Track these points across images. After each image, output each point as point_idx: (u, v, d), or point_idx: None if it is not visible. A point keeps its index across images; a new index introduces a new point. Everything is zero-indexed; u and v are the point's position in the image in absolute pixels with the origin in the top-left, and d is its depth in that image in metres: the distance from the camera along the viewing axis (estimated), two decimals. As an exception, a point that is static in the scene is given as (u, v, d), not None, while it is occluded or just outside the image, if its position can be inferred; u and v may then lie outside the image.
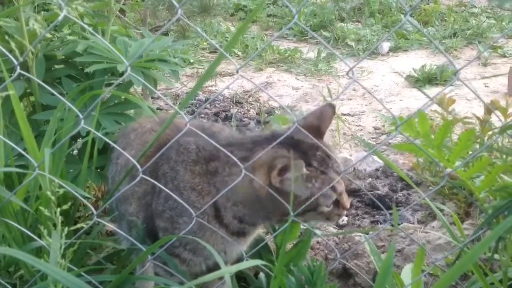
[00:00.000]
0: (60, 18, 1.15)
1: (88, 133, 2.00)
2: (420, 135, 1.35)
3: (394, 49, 5.87)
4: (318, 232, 1.95)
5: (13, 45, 1.19)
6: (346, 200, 1.55)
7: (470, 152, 1.68)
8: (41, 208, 1.28)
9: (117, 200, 1.79)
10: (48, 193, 1.25)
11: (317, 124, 1.57)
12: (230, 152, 1.46)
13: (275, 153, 1.45)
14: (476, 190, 1.48)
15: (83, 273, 1.42)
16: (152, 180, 1.52)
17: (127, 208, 1.79)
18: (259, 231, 1.75)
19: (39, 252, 1.62)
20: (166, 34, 4.32)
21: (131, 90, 2.50)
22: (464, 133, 1.37)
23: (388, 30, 6.48)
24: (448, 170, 1.46)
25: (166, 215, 1.65)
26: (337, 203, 1.53)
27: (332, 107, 1.60)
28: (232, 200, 1.56)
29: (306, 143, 1.52)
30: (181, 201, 1.50)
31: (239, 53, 5.72)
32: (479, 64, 5.24)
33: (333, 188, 1.48)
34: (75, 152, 2.34)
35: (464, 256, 1.43)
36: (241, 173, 1.41)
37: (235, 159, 1.40)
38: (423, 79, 4.80)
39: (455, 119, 2.13)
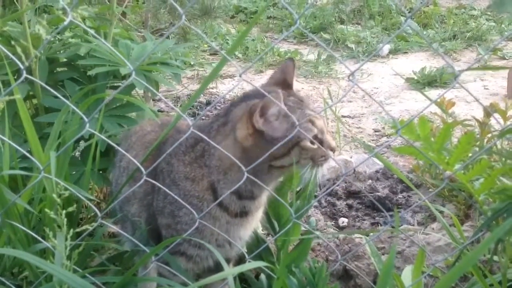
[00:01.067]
0: (65, 23, 1.16)
1: (90, 135, 2.02)
2: (420, 138, 1.36)
3: (394, 51, 5.89)
4: (318, 233, 1.97)
5: (19, 50, 1.20)
6: (331, 140, 1.57)
7: (470, 155, 1.69)
8: (47, 210, 1.30)
9: (121, 202, 1.81)
10: (54, 195, 1.26)
11: (283, 77, 1.66)
12: (210, 126, 1.58)
13: (250, 103, 1.53)
14: (475, 193, 1.50)
15: (87, 275, 1.43)
16: (153, 181, 1.54)
17: (129, 209, 1.82)
18: (260, 212, 1.74)
19: (43, 254, 1.63)
20: (167, 37, 4.33)
21: (133, 92, 2.52)
22: (464, 136, 1.39)
23: (388, 32, 6.50)
24: (448, 173, 1.48)
25: (167, 211, 1.68)
26: (321, 142, 1.55)
27: (292, 60, 1.69)
28: (223, 170, 1.59)
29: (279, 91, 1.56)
30: (175, 196, 1.55)
31: (240, 55, 5.73)
32: (478, 66, 5.26)
33: (312, 122, 1.53)
34: (77, 154, 2.36)
35: (464, 258, 1.44)
36: (226, 137, 1.50)
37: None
38: (423, 82, 4.82)
39: (455, 121, 2.15)
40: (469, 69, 1.48)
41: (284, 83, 1.64)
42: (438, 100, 2.36)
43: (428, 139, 1.35)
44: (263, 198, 1.70)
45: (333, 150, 1.57)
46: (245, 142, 1.53)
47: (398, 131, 1.26)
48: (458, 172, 1.41)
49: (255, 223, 1.74)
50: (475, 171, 1.43)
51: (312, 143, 1.52)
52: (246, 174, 1.42)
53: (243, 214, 1.66)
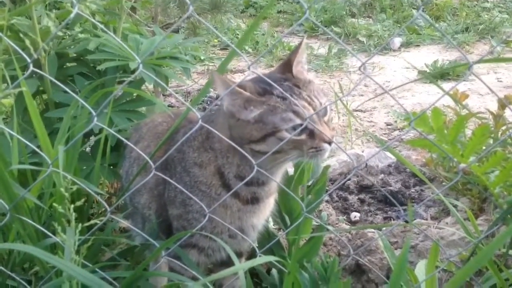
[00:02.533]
0: (72, 15, 1.15)
1: (100, 130, 2.01)
2: (434, 130, 1.34)
3: (406, 44, 5.83)
4: (330, 228, 1.95)
5: (27, 42, 1.19)
6: (325, 131, 1.46)
7: (484, 147, 1.66)
8: (55, 204, 1.29)
9: (131, 193, 1.81)
10: (62, 189, 1.26)
11: (287, 58, 1.58)
12: (213, 111, 1.59)
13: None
14: (490, 185, 1.47)
15: (97, 269, 1.42)
16: (162, 175, 1.52)
17: (139, 200, 1.81)
18: (271, 200, 1.71)
19: (53, 249, 1.63)
20: (176, 31, 4.32)
21: (143, 88, 2.51)
22: (478, 128, 1.36)
23: (399, 25, 6.44)
24: (462, 165, 1.45)
25: (179, 200, 1.67)
26: (311, 133, 1.46)
27: (301, 41, 1.61)
28: (225, 152, 1.58)
29: (274, 76, 1.53)
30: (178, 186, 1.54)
31: (250, 49, 5.71)
32: (491, 58, 5.20)
33: (295, 113, 1.44)
34: (87, 149, 2.35)
35: (480, 252, 1.42)
36: (220, 117, 1.52)
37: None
38: (436, 74, 4.77)
39: (469, 114, 2.11)
40: (483, 60, 1.45)
41: (286, 64, 1.58)
42: (451, 92, 2.32)
43: (442, 131, 1.32)
44: (273, 185, 1.66)
45: (327, 142, 1.46)
46: (229, 121, 1.52)
47: (411, 123, 1.23)
48: (473, 164, 1.38)
49: (267, 211, 1.71)
50: (490, 164, 1.41)
51: (293, 133, 1.45)
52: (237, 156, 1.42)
53: (254, 201, 1.63)
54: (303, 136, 1.45)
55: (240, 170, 1.56)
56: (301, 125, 1.43)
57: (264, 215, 1.71)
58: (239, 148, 1.44)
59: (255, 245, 1.73)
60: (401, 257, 1.29)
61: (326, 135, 1.44)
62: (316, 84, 1.55)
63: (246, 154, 1.43)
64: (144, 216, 1.84)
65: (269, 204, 1.71)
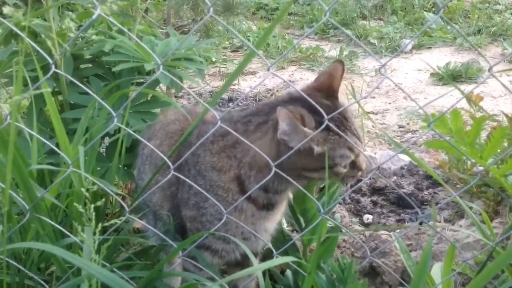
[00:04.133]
0: (94, 16, 1.16)
1: (115, 131, 2.03)
2: (452, 132, 1.33)
3: (418, 47, 5.81)
4: (345, 229, 1.94)
5: (49, 43, 1.20)
6: (362, 162, 1.55)
7: (499, 150, 1.65)
8: (75, 204, 1.30)
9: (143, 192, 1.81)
10: (82, 189, 1.27)
11: (329, 82, 1.57)
12: (248, 120, 1.55)
13: (291, 108, 1.45)
14: (509, 188, 1.46)
15: (115, 269, 1.43)
16: (180, 176, 1.53)
17: (151, 198, 1.80)
18: (284, 205, 1.73)
19: (70, 249, 1.64)
20: (188, 32, 4.34)
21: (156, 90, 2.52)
22: (497, 130, 1.36)
23: (411, 27, 6.42)
24: (479, 168, 1.44)
25: (192, 202, 1.67)
26: (353, 164, 1.54)
27: (341, 63, 1.59)
28: (256, 167, 1.56)
29: (321, 102, 1.50)
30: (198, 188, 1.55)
31: (260, 51, 5.71)
32: (504, 61, 5.17)
33: (350, 150, 1.50)
34: (102, 150, 2.37)
35: (498, 257, 1.41)
36: (264, 135, 1.49)
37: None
38: (448, 77, 4.75)
39: (485, 116, 2.10)
40: (501, 60, 1.45)
41: (329, 89, 1.57)
42: (467, 94, 2.32)
43: (461, 133, 1.32)
44: (289, 192, 1.69)
45: (362, 171, 1.56)
46: (279, 147, 1.50)
47: (430, 125, 1.23)
48: (491, 166, 1.38)
49: (279, 215, 1.73)
50: (509, 165, 1.40)
51: (345, 167, 1.52)
52: (273, 170, 1.42)
53: (270, 206, 1.64)
54: (348, 167, 1.53)
55: (267, 183, 1.55)
56: (353, 161, 1.52)
57: (276, 219, 1.72)
58: (282, 173, 1.45)
59: (270, 245, 1.73)
60: (422, 261, 1.28)
61: (362, 165, 1.55)
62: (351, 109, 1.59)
63: (292, 180, 1.47)
64: (156, 214, 1.85)
65: (282, 209, 1.72)
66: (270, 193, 1.61)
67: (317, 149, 1.46)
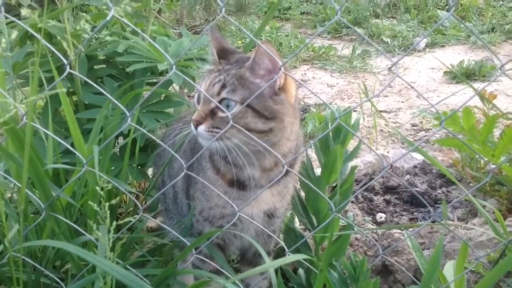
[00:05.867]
0: (108, 18, 1.18)
1: (129, 131, 2.05)
2: (464, 130, 1.33)
3: (431, 45, 5.79)
4: (358, 228, 1.95)
5: (65, 45, 1.22)
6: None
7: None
8: (90, 203, 1.32)
9: (167, 178, 1.88)
10: (98, 188, 1.28)
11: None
12: None
13: None
14: (522, 186, 1.46)
15: (129, 267, 1.45)
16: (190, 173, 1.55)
17: (177, 183, 1.84)
18: (266, 194, 1.64)
19: (85, 247, 1.66)
20: (200, 32, 4.35)
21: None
22: (509, 128, 1.35)
23: (424, 26, 6.39)
24: (492, 166, 1.44)
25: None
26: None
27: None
28: None
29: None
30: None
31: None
32: (519, 59, 5.14)
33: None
34: (116, 150, 2.39)
35: (510, 254, 1.41)
36: None
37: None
38: (461, 75, 4.73)
39: (498, 114, 2.09)
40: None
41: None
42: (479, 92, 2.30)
43: (473, 131, 1.32)
44: (258, 175, 1.60)
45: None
46: None
47: (442, 123, 1.23)
48: (504, 164, 1.38)
49: (262, 204, 1.65)
50: (522, 164, 1.40)
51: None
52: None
53: (240, 185, 1.61)
54: None
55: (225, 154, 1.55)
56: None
57: (259, 206, 1.65)
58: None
59: (281, 244, 1.74)
60: (433, 258, 1.29)
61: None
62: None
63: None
64: (177, 205, 1.91)
65: (263, 198, 1.64)
66: (231, 165, 1.57)
67: None
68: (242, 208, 1.57)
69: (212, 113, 1.44)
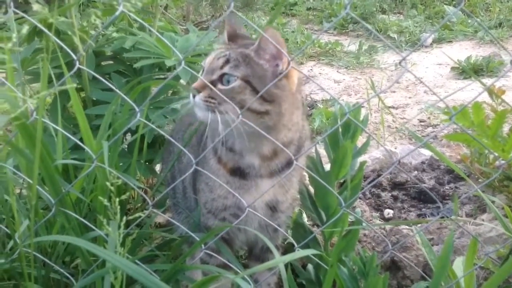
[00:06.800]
0: (117, 13, 1.18)
1: (137, 127, 2.05)
2: (474, 125, 1.33)
3: (438, 41, 5.76)
4: (366, 223, 1.94)
5: (75, 40, 1.22)
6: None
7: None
8: (100, 198, 1.33)
9: (177, 172, 1.90)
10: (108, 183, 1.29)
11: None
12: None
13: None
14: (532, 181, 1.45)
15: (138, 262, 1.45)
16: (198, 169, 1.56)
17: (186, 177, 1.84)
18: (267, 184, 1.63)
19: (94, 242, 1.67)
20: (206, 29, 4.35)
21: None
22: (520, 123, 1.35)
23: (431, 21, 6.36)
24: (502, 161, 1.43)
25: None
26: None
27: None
28: None
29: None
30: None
31: (280, 47, 5.71)
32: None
33: None
34: (124, 146, 2.40)
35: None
36: None
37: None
38: (469, 70, 4.70)
39: (507, 109, 2.08)
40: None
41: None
42: (489, 87, 2.30)
43: (483, 126, 1.31)
44: (257, 164, 1.60)
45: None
46: None
47: (452, 117, 1.22)
48: (514, 159, 1.37)
49: (265, 195, 1.63)
50: (532, 159, 1.39)
51: None
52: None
53: (241, 174, 1.62)
54: None
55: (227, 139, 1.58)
56: None
57: (261, 198, 1.64)
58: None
59: (290, 240, 1.74)
60: (443, 254, 1.28)
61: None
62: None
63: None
64: (186, 200, 1.92)
65: (264, 188, 1.63)
66: (232, 152, 1.60)
67: None
68: (243, 194, 1.60)
69: (212, 84, 1.47)
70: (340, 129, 1.76)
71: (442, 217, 2.20)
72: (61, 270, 1.59)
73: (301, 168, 1.69)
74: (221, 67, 1.49)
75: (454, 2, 6.87)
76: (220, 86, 1.47)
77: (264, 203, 1.66)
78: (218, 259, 1.68)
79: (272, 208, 1.69)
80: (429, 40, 5.66)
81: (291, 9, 7.25)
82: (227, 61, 1.49)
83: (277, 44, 1.40)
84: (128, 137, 2.39)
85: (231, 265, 1.64)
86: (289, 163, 1.60)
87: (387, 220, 2.62)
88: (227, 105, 1.44)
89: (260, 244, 1.85)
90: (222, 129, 1.45)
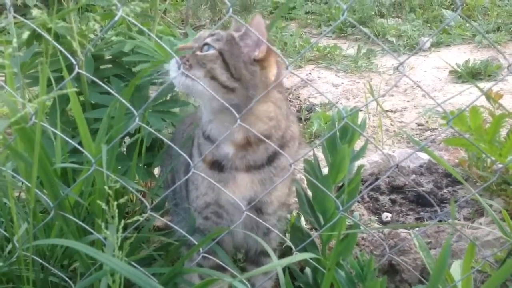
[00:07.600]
0: (116, 18, 1.18)
1: (136, 131, 2.06)
2: (471, 129, 1.33)
3: (436, 44, 5.77)
4: (364, 227, 1.95)
5: (74, 44, 1.23)
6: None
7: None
8: (98, 201, 1.33)
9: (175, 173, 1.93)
10: (106, 187, 1.29)
11: None
12: None
13: None
14: (529, 185, 1.46)
15: (136, 265, 1.46)
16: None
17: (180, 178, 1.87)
18: (247, 180, 1.65)
19: (92, 245, 1.67)
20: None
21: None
22: (516, 127, 1.35)
23: (429, 25, 6.38)
24: (499, 165, 1.44)
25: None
26: None
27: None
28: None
29: None
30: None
31: (278, 50, 5.73)
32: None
33: None
34: (123, 150, 2.40)
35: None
36: None
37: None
38: (467, 74, 4.71)
39: (504, 113, 2.09)
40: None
41: None
42: (486, 92, 2.30)
43: (480, 130, 1.32)
44: (230, 152, 1.63)
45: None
46: None
47: (449, 122, 1.23)
48: (511, 163, 1.38)
49: (243, 189, 1.64)
50: (529, 163, 1.40)
51: None
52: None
53: (218, 166, 1.65)
54: None
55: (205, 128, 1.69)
56: None
57: (240, 192, 1.64)
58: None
59: (288, 243, 1.74)
60: (441, 258, 1.29)
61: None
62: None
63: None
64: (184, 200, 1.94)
65: (241, 182, 1.65)
66: (210, 142, 1.65)
67: None
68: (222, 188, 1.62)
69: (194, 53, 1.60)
70: (338, 133, 1.77)
71: (440, 221, 2.21)
72: (60, 274, 1.59)
73: (289, 172, 1.64)
74: (205, 38, 1.60)
75: (452, 6, 6.88)
76: (198, 52, 1.58)
77: (245, 201, 1.65)
78: (212, 260, 1.69)
79: (258, 210, 1.69)
80: (427, 44, 5.68)
81: (290, 13, 7.25)
82: (212, 35, 1.61)
83: (258, 32, 1.49)
84: (127, 140, 2.40)
85: (226, 267, 1.65)
86: (269, 160, 1.64)
87: (385, 223, 2.63)
88: (197, 71, 1.55)
89: (254, 248, 1.86)
90: (192, 90, 1.58)
